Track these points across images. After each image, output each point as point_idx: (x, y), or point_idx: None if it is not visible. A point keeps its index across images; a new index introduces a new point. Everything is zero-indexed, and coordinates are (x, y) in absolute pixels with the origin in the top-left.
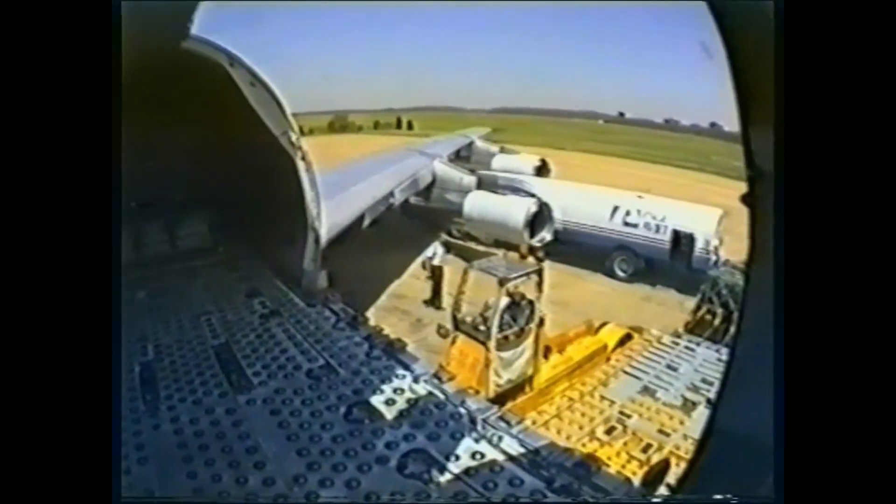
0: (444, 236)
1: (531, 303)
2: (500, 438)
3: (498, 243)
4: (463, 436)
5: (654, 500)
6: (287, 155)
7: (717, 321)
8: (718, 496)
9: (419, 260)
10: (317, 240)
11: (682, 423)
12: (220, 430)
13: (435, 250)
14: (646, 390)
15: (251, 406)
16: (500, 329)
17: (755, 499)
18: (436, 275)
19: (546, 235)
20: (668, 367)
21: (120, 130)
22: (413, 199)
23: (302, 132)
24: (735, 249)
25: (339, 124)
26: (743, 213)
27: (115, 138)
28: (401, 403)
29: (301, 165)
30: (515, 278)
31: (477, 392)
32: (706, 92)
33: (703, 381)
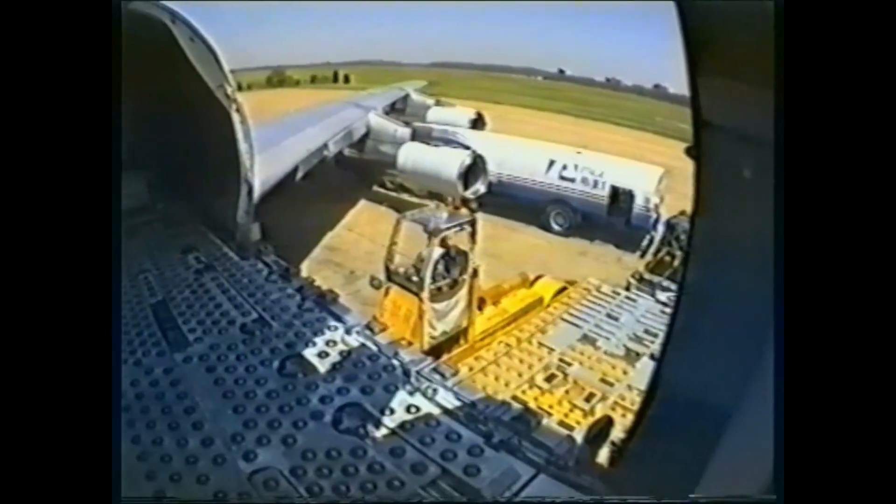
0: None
1: (465, 254)
2: (435, 391)
3: (431, 195)
4: (397, 389)
5: (650, 500)
6: (224, 110)
7: (676, 262)
8: (719, 496)
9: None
10: (250, 192)
11: (625, 373)
12: (159, 391)
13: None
14: (585, 338)
15: (188, 364)
16: (434, 280)
17: (755, 499)
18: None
19: (480, 188)
20: (609, 316)
21: (120, 123)
22: (347, 152)
23: (240, 88)
24: (677, 208)
25: (277, 79)
26: (685, 172)
27: (115, 136)
28: (333, 356)
29: (235, 118)
30: (448, 229)
31: (410, 344)
32: (651, 52)
33: (647, 332)
